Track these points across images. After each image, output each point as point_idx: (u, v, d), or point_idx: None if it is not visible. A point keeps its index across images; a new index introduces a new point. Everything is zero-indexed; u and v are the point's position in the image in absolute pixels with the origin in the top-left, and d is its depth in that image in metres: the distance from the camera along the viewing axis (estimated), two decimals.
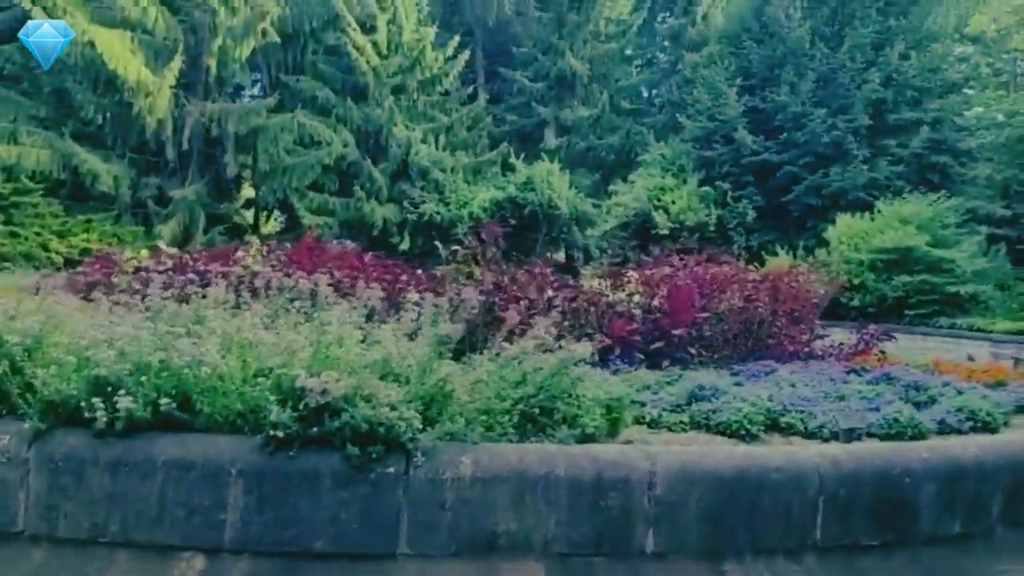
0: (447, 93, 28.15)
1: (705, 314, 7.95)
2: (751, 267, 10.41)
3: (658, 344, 7.55)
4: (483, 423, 4.69)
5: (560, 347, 5.27)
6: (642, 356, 7.52)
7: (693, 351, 7.62)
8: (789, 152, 23.76)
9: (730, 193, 24.39)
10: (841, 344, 10.02)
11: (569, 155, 28.94)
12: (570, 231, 25.23)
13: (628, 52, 33.44)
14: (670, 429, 5.69)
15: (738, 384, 7.03)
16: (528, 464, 4.40)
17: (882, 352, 10.22)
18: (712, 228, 24.03)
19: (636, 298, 8.28)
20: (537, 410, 4.89)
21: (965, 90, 25.43)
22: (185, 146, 23.78)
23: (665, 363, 7.52)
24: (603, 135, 29.64)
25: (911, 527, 5.18)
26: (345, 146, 24.81)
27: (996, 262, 20.07)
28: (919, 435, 5.95)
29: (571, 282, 8.30)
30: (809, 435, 5.83)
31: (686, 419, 5.80)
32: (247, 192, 27.37)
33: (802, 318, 9.52)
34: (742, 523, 4.67)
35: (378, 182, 24.79)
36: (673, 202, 24.04)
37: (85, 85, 22.22)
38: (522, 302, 7.56)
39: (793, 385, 7.03)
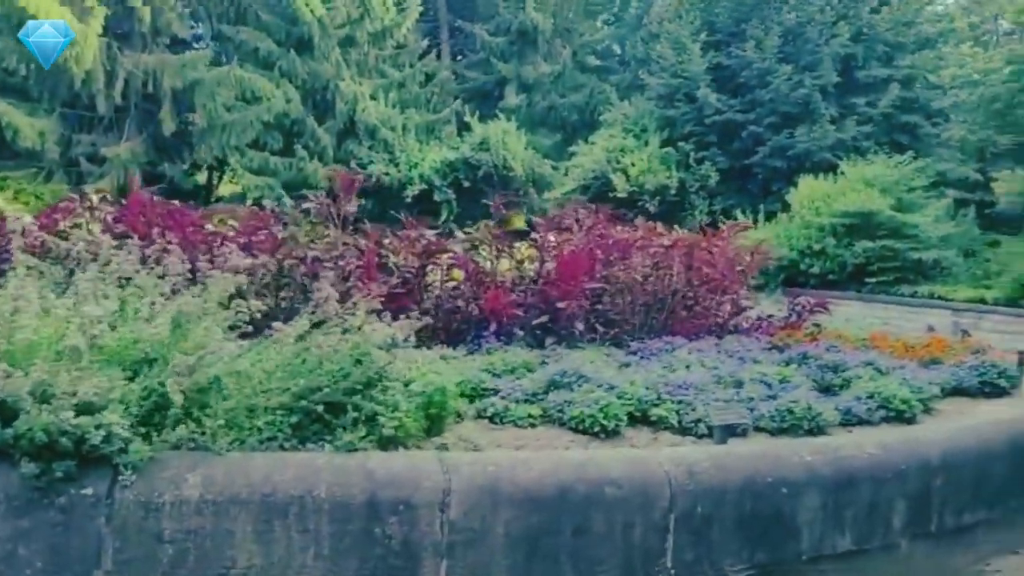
0: (401, 47, 26.74)
1: (601, 285, 6.97)
2: (670, 231, 9.47)
3: (542, 319, 6.58)
4: (244, 425, 3.70)
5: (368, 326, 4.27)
6: (522, 333, 6.55)
7: (581, 327, 6.65)
8: (754, 111, 22.65)
9: (692, 155, 23.31)
10: (770, 317, 9.09)
11: (530, 114, 27.71)
12: (527, 194, 24.12)
13: (593, 5, 32.03)
14: (516, 424, 4.74)
15: (625, 366, 6.09)
16: (278, 483, 3.43)
17: (816, 325, 9.30)
18: (673, 192, 22.97)
19: (528, 266, 7.30)
20: (321, 407, 3.91)
21: (940, 46, 24.27)
22: (120, 101, 22.42)
23: (550, 341, 6.55)
24: (566, 93, 28.39)
25: (789, 546, 4.26)
26: (288, 102, 23.46)
27: (963, 227, 19.16)
28: (817, 430, 5.04)
29: (457, 249, 7.29)
30: (683, 430, 4.91)
31: (537, 412, 4.87)
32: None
33: (725, 288, 8.56)
34: (565, 550, 3.73)
35: (323, 141, 23.52)
36: (633, 164, 22.93)
37: (6, 32, 20.75)
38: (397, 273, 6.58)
39: (688, 367, 6.09)
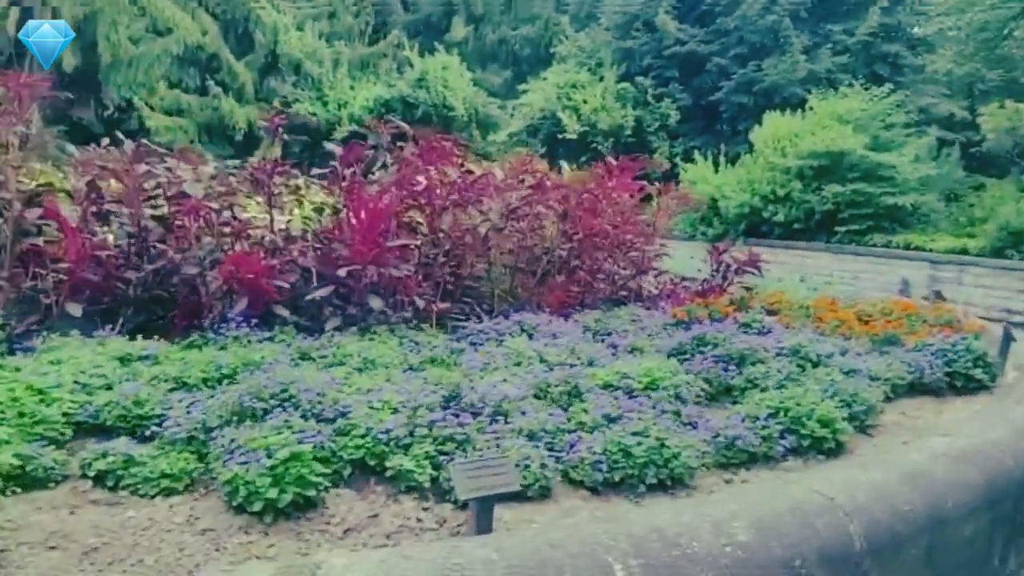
0: None
1: (406, 242, 4.93)
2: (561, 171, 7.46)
3: (320, 293, 4.55)
4: None
5: None
6: (287, 314, 4.52)
7: (378, 304, 4.62)
8: (719, 41, 20.38)
9: (651, 91, 21.05)
10: (683, 281, 7.08)
11: (479, 49, 25.31)
12: (470, 136, 21.85)
13: None
14: (138, 491, 2.72)
15: (410, 369, 4.10)
16: None
17: (746, 289, 7.32)
18: (629, 132, 20.78)
19: (312, 224, 5.24)
20: None
21: None
22: (14, 32, 19.94)
23: (333, 324, 4.53)
24: (518, 25, 25.93)
25: None
26: (204, 34, 21.00)
27: (946, 168, 17.10)
28: (671, 480, 3.06)
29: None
30: (440, 493, 2.90)
31: (189, 466, 2.84)
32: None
33: (625, 244, 6.53)
34: None
35: (241, 78, 21.10)
36: (585, 101, 20.68)
37: None
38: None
39: (518, 364, 4.11)
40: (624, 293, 6.78)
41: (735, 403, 4.11)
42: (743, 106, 20.12)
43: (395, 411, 3.23)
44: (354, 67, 22.72)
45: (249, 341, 4.31)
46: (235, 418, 3.08)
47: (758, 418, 3.64)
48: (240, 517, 2.65)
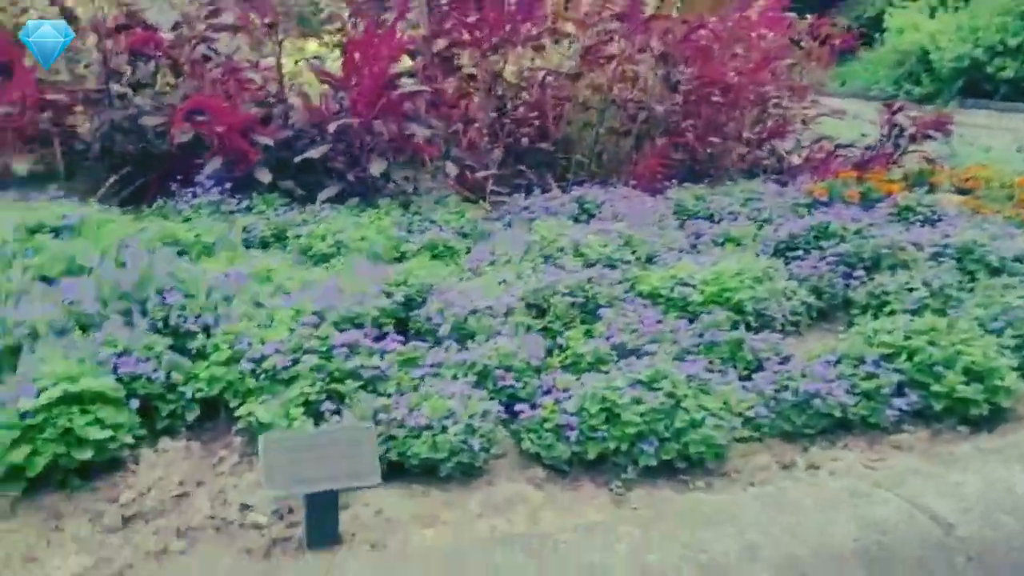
0: None
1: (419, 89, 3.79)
2: None
3: (310, 153, 3.61)
4: None
5: None
6: (269, 178, 3.65)
7: (380, 167, 3.59)
8: None
9: None
10: (843, 149, 5.43)
11: None
12: None
13: None
14: None
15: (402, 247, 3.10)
16: None
17: (928, 161, 5.55)
18: None
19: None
20: None
21: None
22: None
23: (325, 194, 3.63)
24: None
25: None
26: None
27: None
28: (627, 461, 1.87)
29: None
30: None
31: None
32: None
33: (760, 101, 5.04)
34: None
35: None
36: None
37: None
38: None
39: (507, 262, 3.04)
40: (765, 163, 5.33)
41: (852, 325, 2.78)
42: None
43: (294, 328, 2.25)
44: None
45: (219, 211, 3.47)
46: (67, 328, 2.23)
47: (862, 360, 2.33)
48: None
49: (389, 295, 2.64)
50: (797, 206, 4.17)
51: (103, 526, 1.73)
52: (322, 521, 1.66)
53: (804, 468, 2.09)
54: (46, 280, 2.58)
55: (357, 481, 1.65)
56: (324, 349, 2.18)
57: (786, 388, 2.25)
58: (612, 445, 2.00)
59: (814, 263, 3.18)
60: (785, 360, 2.46)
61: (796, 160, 5.43)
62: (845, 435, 2.24)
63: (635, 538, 1.66)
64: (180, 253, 2.91)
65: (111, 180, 3.72)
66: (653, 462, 1.99)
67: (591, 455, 2.01)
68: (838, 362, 2.36)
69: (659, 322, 2.54)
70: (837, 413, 2.20)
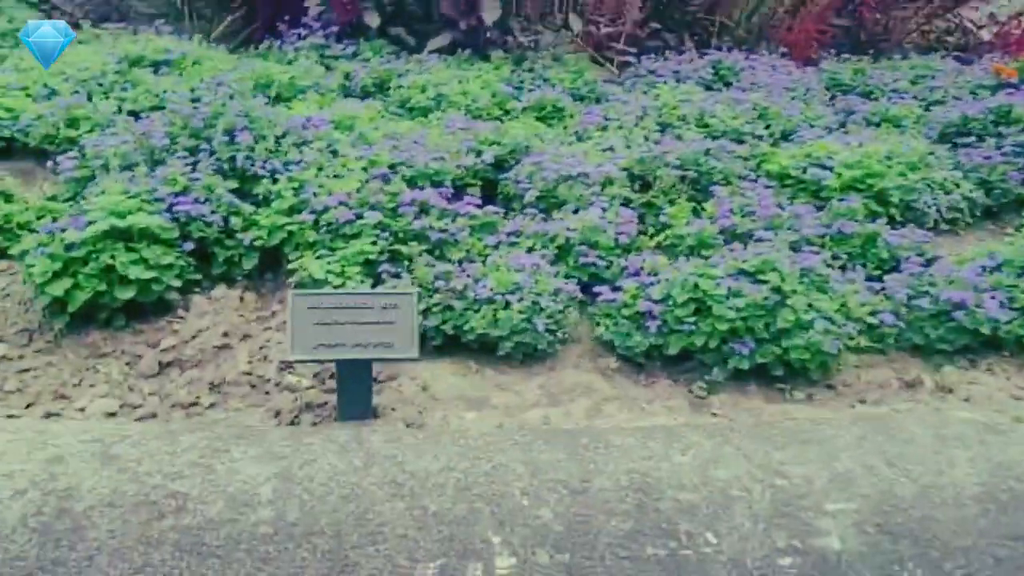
0: None
1: None
2: None
3: None
4: None
5: None
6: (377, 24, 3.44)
7: (490, 17, 3.28)
8: None
9: None
10: None
11: None
12: None
13: None
14: None
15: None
16: None
17: None
18: None
19: None
20: None
21: None
22: None
23: (434, 44, 3.42)
24: None
25: None
26: None
27: None
28: (718, 360, 1.63)
29: None
30: None
31: None
32: None
33: None
34: None
35: None
36: None
37: None
38: None
39: (619, 127, 2.74)
40: (948, 40, 4.58)
41: (1023, 229, 2.32)
42: None
43: (365, 181, 2.07)
44: None
45: (323, 56, 3.31)
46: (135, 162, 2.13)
47: None
48: None
49: (479, 153, 2.40)
50: (979, 87, 3.54)
51: (138, 371, 1.66)
52: (354, 392, 1.52)
53: (932, 390, 1.75)
54: (134, 114, 2.51)
55: (390, 352, 1.48)
56: (392, 206, 1.99)
57: (925, 294, 1.88)
58: (699, 341, 1.73)
59: (987, 152, 2.67)
60: (929, 262, 2.06)
61: (986, 36, 4.64)
62: (991, 356, 1.87)
63: (704, 449, 1.41)
64: (274, 97, 2.78)
65: (228, 20, 3.63)
66: (745, 365, 1.71)
67: (673, 350, 1.75)
68: (996, 269, 1.95)
69: (780, 207, 2.18)
70: (985, 329, 1.82)
